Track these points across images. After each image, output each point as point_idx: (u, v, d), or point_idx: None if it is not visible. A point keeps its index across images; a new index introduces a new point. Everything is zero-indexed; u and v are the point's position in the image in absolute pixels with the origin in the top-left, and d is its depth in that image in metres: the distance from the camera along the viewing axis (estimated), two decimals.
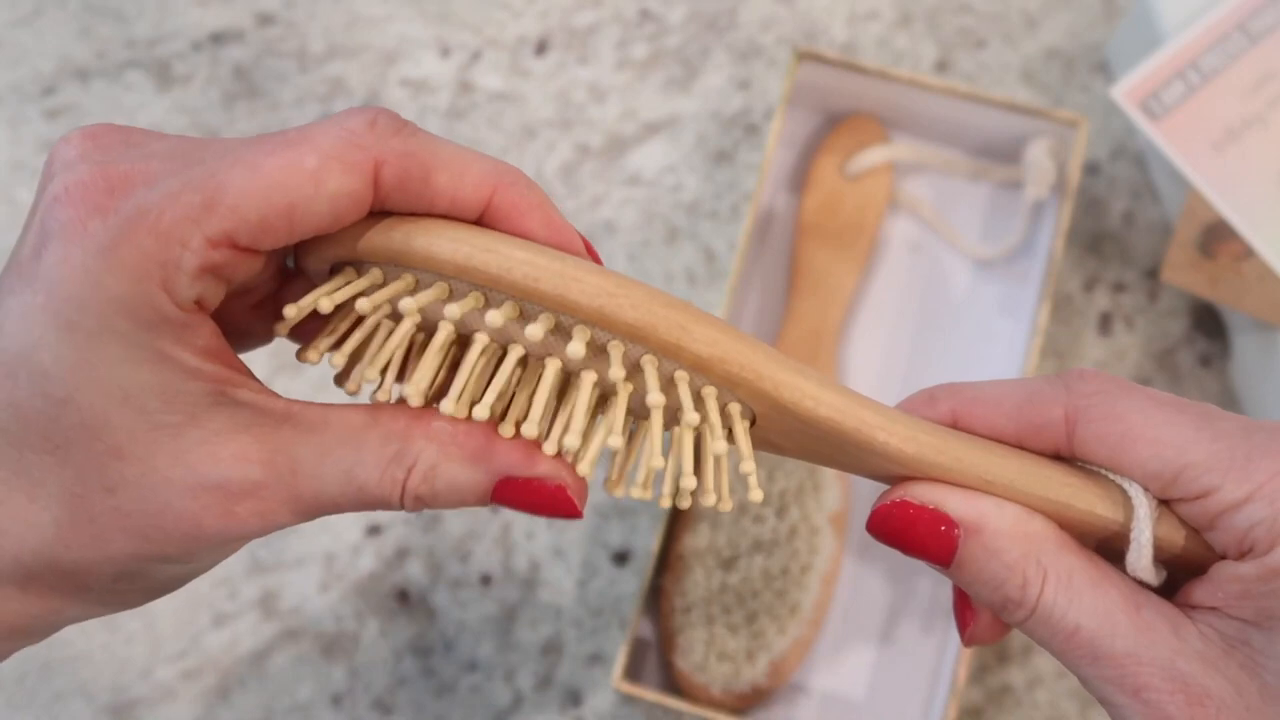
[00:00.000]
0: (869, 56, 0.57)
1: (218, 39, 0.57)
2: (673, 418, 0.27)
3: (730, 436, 0.28)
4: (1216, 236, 0.48)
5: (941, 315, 0.53)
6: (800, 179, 0.54)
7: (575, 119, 0.56)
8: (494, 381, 0.27)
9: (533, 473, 0.27)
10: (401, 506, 0.27)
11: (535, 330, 0.26)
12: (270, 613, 0.50)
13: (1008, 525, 0.26)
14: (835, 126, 0.54)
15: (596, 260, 0.29)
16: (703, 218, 0.55)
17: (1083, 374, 0.27)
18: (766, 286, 0.53)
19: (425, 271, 0.27)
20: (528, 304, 0.26)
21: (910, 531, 0.27)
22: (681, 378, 0.26)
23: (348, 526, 0.51)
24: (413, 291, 0.27)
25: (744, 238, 0.49)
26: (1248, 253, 0.48)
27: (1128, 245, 0.54)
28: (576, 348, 0.26)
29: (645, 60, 0.57)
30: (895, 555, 0.50)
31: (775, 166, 0.54)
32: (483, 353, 0.27)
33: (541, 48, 0.57)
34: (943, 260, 0.54)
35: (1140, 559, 0.26)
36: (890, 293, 0.53)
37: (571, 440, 0.27)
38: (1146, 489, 0.26)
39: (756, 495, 0.28)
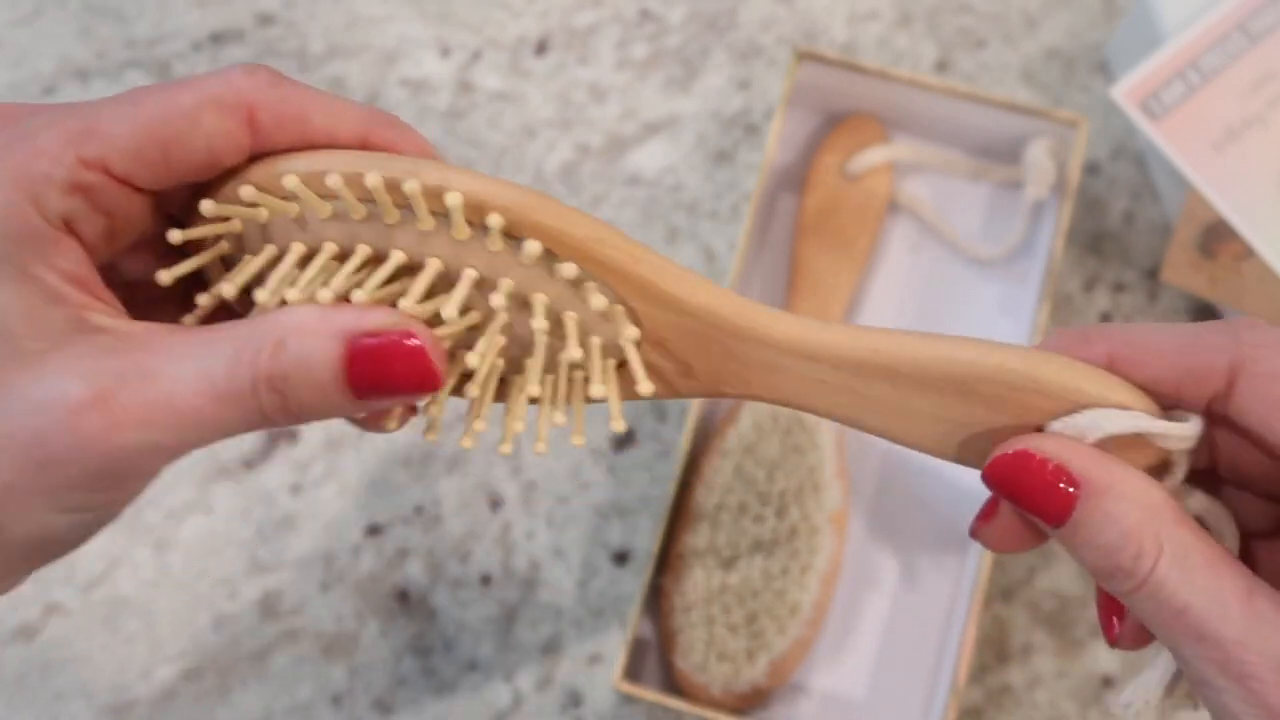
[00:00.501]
0: (869, 56, 0.57)
1: (218, 39, 0.57)
2: (554, 319, 0.27)
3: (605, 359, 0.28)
4: (1216, 236, 0.48)
5: (941, 315, 0.53)
6: (800, 179, 0.54)
7: (575, 119, 0.56)
8: (365, 281, 0.27)
9: (371, 322, 0.26)
10: (259, 408, 0.26)
11: (409, 234, 0.26)
12: (270, 613, 0.50)
13: (1130, 491, 0.25)
14: (835, 126, 0.54)
15: None
16: (703, 218, 0.55)
17: (1254, 324, 0.26)
18: (766, 286, 0.53)
19: (310, 200, 0.27)
20: (408, 213, 0.27)
21: (1028, 484, 0.26)
22: (562, 276, 0.27)
23: (348, 526, 0.51)
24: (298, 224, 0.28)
25: (744, 238, 0.49)
26: (1248, 253, 0.48)
27: (1128, 245, 0.54)
28: (459, 232, 0.26)
29: (645, 60, 0.57)
30: (895, 555, 0.50)
31: (775, 166, 0.54)
32: (364, 264, 0.27)
33: (541, 48, 0.57)
34: (943, 260, 0.54)
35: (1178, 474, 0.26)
36: (890, 293, 0.53)
37: (409, 304, 0.26)
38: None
39: (619, 425, 0.28)
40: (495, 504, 0.51)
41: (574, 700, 0.49)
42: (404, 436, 0.52)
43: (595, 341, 0.28)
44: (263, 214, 0.28)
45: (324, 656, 0.50)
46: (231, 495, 0.51)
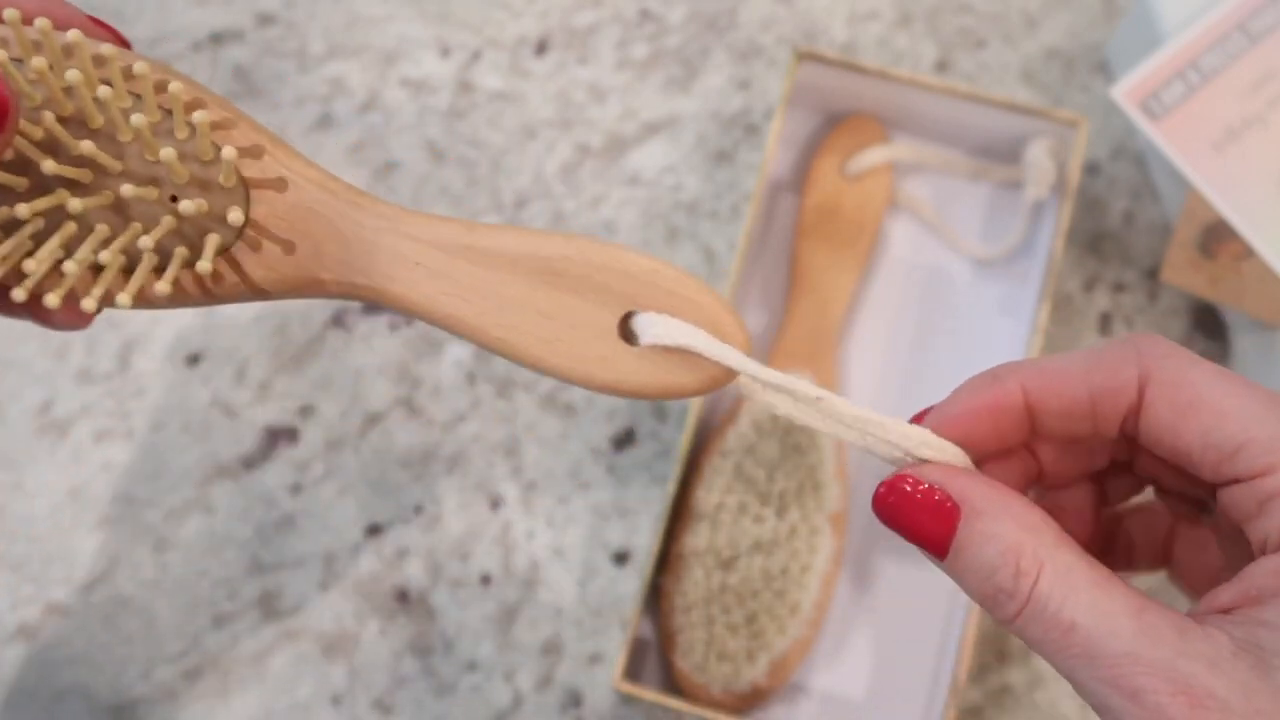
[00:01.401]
0: (869, 56, 0.57)
1: (218, 39, 0.57)
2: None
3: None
4: (1216, 236, 0.48)
5: (941, 315, 0.53)
6: (800, 179, 0.54)
7: (575, 119, 0.56)
8: None
9: None
10: None
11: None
12: (270, 613, 0.50)
13: (1008, 511, 0.26)
14: (835, 126, 0.54)
15: (119, 40, 0.30)
16: (703, 218, 0.55)
17: (1153, 338, 0.27)
18: (766, 286, 0.53)
19: None
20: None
21: (912, 509, 0.26)
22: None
23: (348, 526, 0.51)
24: None
25: (744, 238, 0.49)
26: (1248, 253, 0.48)
27: (1128, 245, 0.54)
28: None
29: (645, 60, 0.57)
30: (895, 554, 0.50)
31: (775, 166, 0.54)
32: None
33: (541, 48, 0.57)
34: (943, 260, 0.54)
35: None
36: (890, 292, 0.53)
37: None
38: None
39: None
40: (495, 504, 0.51)
41: (574, 700, 0.49)
42: (404, 437, 0.52)
43: (170, 224, 0.28)
44: None
45: (324, 656, 0.50)
46: (231, 495, 0.51)
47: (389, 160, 0.55)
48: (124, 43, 0.30)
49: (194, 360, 0.53)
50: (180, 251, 0.28)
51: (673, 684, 0.48)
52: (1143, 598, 0.25)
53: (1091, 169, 0.55)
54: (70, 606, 0.50)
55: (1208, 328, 0.53)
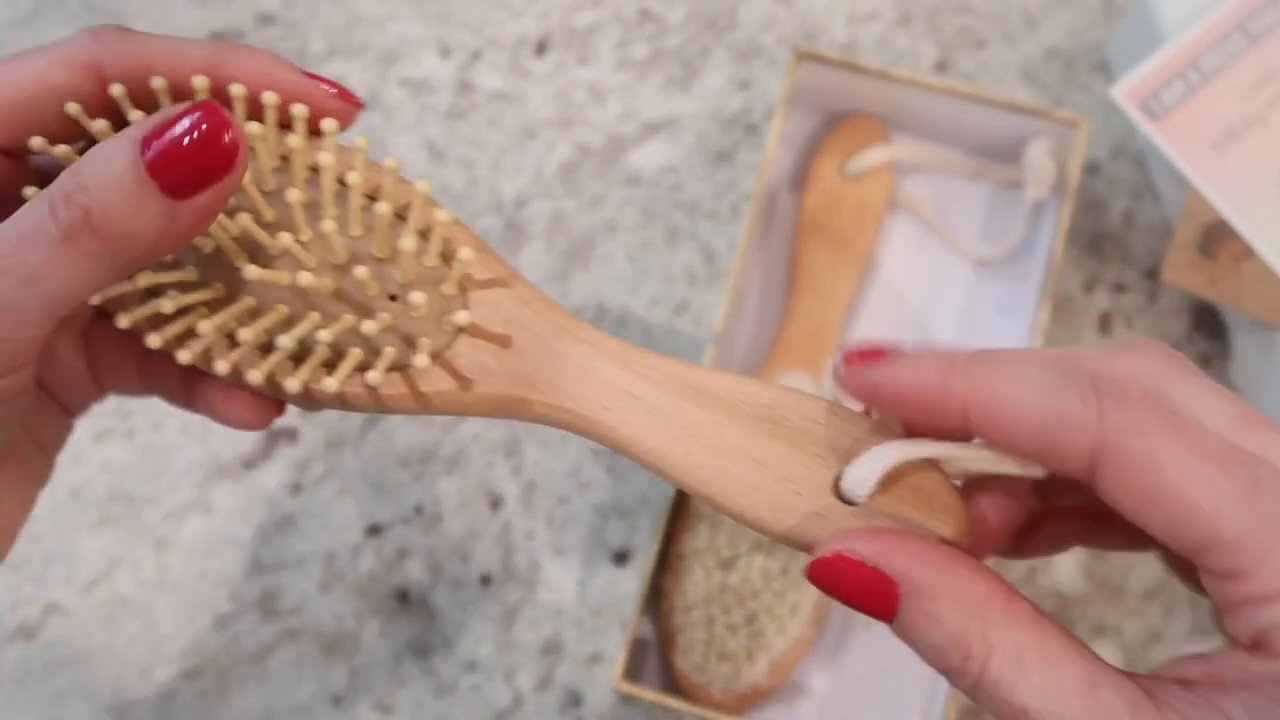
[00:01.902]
0: (869, 56, 0.57)
1: (218, 39, 0.57)
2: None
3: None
4: (1216, 236, 0.48)
5: (941, 315, 0.53)
6: (800, 179, 0.54)
7: (575, 119, 0.56)
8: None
9: (157, 116, 0.25)
10: (62, 232, 0.24)
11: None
12: (270, 613, 0.50)
13: (952, 589, 0.24)
14: (835, 126, 0.54)
15: (351, 101, 0.30)
16: (703, 218, 0.55)
17: (1124, 396, 0.23)
18: (766, 286, 0.53)
19: None
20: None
21: (849, 586, 0.25)
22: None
23: (348, 526, 0.51)
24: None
25: (744, 238, 0.49)
26: (1248, 253, 0.48)
27: (1128, 245, 0.54)
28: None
29: (645, 60, 0.57)
30: None
31: (775, 166, 0.54)
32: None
33: (541, 48, 0.57)
34: (943, 260, 0.54)
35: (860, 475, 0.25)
36: (890, 293, 0.53)
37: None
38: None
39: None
40: (495, 504, 0.51)
41: (574, 700, 0.49)
42: (404, 436, 0.52)
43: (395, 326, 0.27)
44: None
45: (324, 656, 0.50)
46: (231, 495, 0.51)
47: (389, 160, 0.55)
48: (354, 100, 0.30)
49: None
50: (389, 351, 0.27)
51: (673, 684, 0.48)
52: (1096, 669, 0.24)
53: (1091, 169, 0.55)
54: (70, 606, 0.50)
55: (1208, 328, 0.53)
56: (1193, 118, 0.48)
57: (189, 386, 0.30)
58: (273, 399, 0.29)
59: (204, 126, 0.25)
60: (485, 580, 0.51)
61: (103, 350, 0.32)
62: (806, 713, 0.49)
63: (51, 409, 0.32)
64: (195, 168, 0.25)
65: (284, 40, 0.57)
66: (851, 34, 0.57)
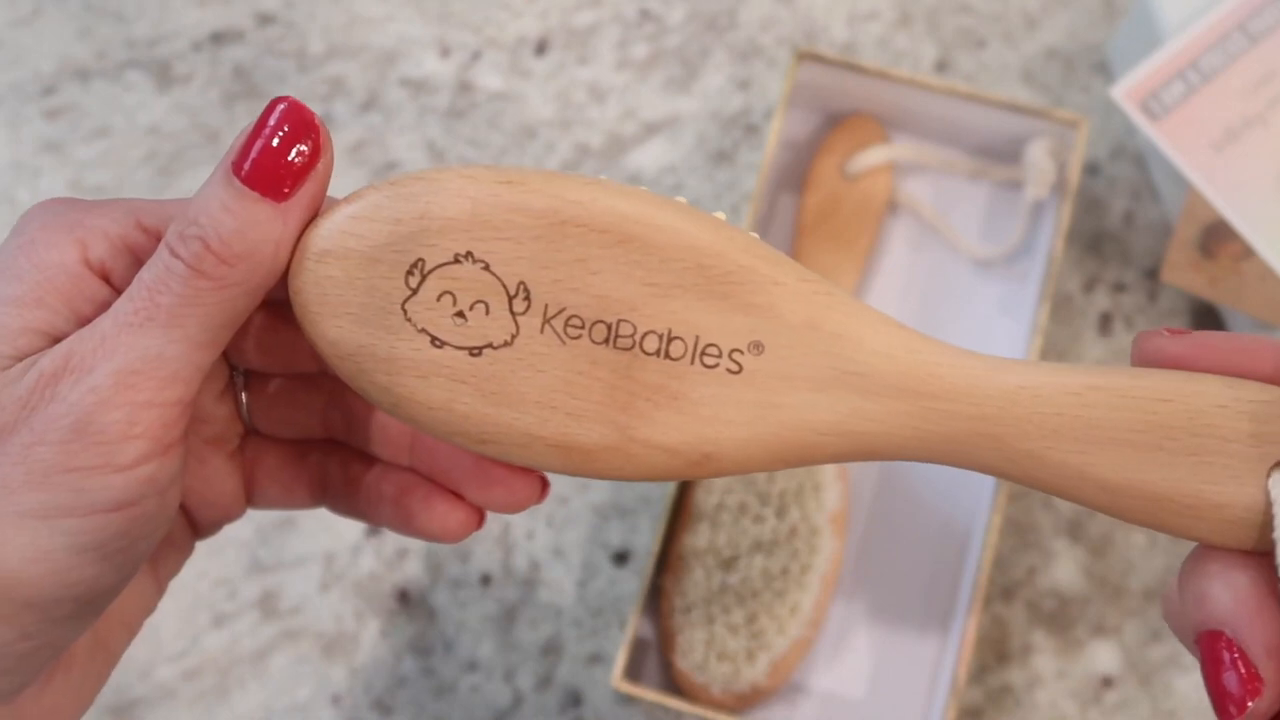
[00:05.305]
0: (869, 56, 0.57)
1: (218, 39, 0.57)
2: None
3: None
4: (1216, 236, 0.48)
5: (941, 315, 0.53)
6: (800, 179, 0.54)
7: (575, 119, 0.56)
8: None
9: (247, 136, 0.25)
10: (187, 272, 0.25)
11: None
12: (270, 613, 0.50)
13: None
14: (835, 126, 0.54)
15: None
16: None
17: None
18: None
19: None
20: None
21: (1212, 666, 0.24)
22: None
23: (348, 526, 0.51)
24: None
25: None
26: (1248, 253, 0.48)
27: (1128, 245, 0.54)
28: None
29: (645, 60, 0.57)
30: (895, 554, 0.50)
31: (775, 166, 0.54)
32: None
33: (541, 48, 0.57)
34: (943, 260, 0.54)
35: None
36: (890, 293, 0.53)
37: None
38: None
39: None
40: None
41: (574, 700, 0.49)
42: None
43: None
44: None
45: (324, 656, 0.50)
46: None
47: (389, 160, 0.55)
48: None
49: None
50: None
51: (673, 684, 0.48)
52: None
53: (1091, 169, 0.55)
54: None
55: (1207, 328, 0.53)
56: (1193, 118, 0.48)
57: (403, 491, 0.30)
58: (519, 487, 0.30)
59: (285, 128, 0.25)
60: (485, 580, 0.51)
61: (273, 464, 0.32)
62: (806, 713, 0.49)
63: (181, 531, 0.31)
64: (288, 165, 0.25)
65: (284, 40, 0.57)
66: (851, 34, 0.57)
